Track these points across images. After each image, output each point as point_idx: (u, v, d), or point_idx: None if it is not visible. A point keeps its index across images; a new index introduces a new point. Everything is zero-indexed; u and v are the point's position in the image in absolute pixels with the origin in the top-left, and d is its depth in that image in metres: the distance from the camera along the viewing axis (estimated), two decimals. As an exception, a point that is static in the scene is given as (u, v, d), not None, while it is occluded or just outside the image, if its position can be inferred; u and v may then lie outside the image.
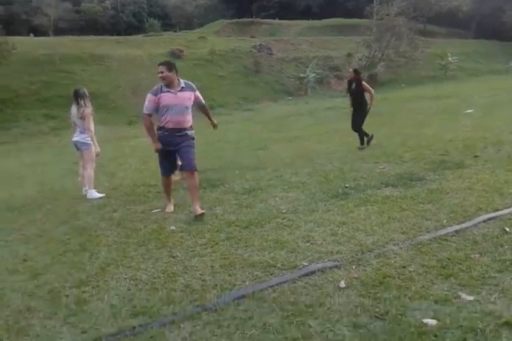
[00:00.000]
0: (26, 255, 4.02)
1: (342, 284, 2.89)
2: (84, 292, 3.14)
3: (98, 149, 6.31)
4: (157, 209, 5.15)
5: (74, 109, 6.29)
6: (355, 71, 8.38)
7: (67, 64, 24.73)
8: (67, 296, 3.10)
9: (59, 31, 33.14)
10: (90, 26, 57.95)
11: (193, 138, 4.89)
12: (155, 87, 4.74)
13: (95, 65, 25.60)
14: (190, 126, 4.86)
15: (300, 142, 9.88)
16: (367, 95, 8.28)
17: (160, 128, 4.79)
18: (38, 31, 37.22)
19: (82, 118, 6.18)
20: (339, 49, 35.88)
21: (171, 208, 5.05)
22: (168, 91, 4.66)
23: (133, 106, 22.74)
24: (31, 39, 31.48)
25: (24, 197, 6.58)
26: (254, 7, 62.59)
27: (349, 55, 34.17)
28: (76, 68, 24.55)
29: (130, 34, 48.00)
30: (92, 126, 6.21)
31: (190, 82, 4.90)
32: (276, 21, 52.57)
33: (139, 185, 6.64)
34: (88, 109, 6.23)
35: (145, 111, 4.77)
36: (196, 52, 30.82)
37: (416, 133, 9.15)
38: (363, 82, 8.29)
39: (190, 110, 4.82)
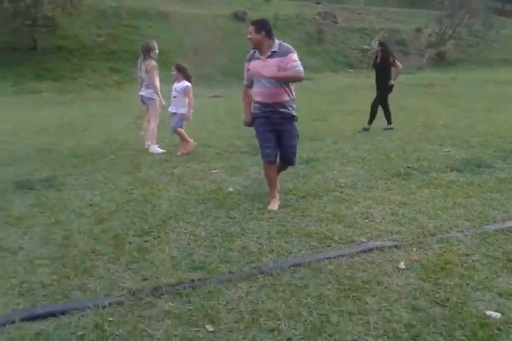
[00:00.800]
0: (92, 200, 4.21)
1: (401, 265, 2.84)
2: (146, 241, 3.27)
3: (164, 102, 6.38)
4: (215, 169, 5.22)
5: (140, 62, 6.35)
6: (381, 44, 8.08)
7: (133, 19, 24.89)
8: (130, 243, 3.23)
9: (127, -16, 33.21)
10: (158, -19, 57.77)
11: (294, 119, 3.98)
12: (249, 53, 4.02)
13: (161, 22, 25.62)
14: (287, 101, 3.88)
15: (360, 116, 9.59)
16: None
17: (254, 101, 4.01)
18: (107, -17, 37.46)
19: (147, 72, 6.23)
20: (408, 23, 34.08)
21: (275, 206, 3.91)
22: (258, 58, 3.85)
23: (193, 67, 22.68)
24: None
25: (89, 146, 6.83)
26: (325, -29, 60.24)
27: (418, 29, 32.43)
28: (142, 24, 24.68)
29: (196, -8, 47.49)
30: (156, 80, 6.25)
31: (287, 45, 3.84)
32: (346, -12, 50.44)
33: (199, 145, 6.73)
34: (152, 63, 6.25)
35: (244, 81, 4.11)
36: (260, 15, 30.16)
37: (485, 117, 8.72)
38: (392, 57, 7.83)
39: (282, 82, 3.82)
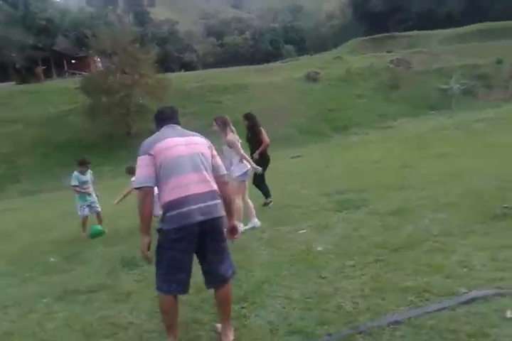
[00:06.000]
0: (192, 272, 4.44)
1: (508, 314, 2.67)
2: (243, 307, 3.38)
3: None
4: (303, 229, 5.30)
5: None
6: (247, 117, 7.02)
7: (215, 95, 27.04)
8: (230, 311, 3.36)
9: (206, 65, 36.49)
10: (232, 57, 63.01)
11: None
12: None
13: (239, 94, 27.48)
14: None
15: (448, 159, 9.30)
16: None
17: None
18: (188, 66, 41.41)
19: None
20: (487, 56, 33.13)
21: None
22: None
23: (273, 130, 23.75)
24: (183, 74, 35.16)
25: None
26: (391, 21, 61.51)
27: (499, 61, 31.36)
28: (223, 98, 26.68)
29: (268, 61, 50.70)
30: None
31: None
32: (414, 33, 50.79)
33: (283, 206, 6.89)
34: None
35: None
36: (332, 73, 31.18)
37: None
38: (257, 128, 6.96)
39: None
